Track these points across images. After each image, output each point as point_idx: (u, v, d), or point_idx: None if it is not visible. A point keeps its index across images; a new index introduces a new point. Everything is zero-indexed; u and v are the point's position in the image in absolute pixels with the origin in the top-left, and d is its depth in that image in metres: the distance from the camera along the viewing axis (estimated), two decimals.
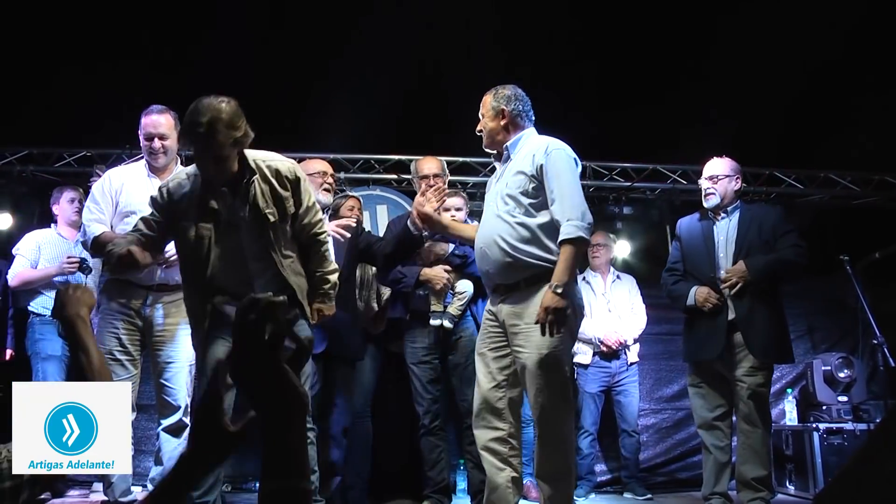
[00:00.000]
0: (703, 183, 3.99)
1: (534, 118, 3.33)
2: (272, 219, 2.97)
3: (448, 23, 6.07)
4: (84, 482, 4.81)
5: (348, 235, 3.57)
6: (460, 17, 6.08)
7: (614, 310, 5.15)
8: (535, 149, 3.15)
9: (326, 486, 3.83)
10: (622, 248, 6.23)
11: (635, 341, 5.08)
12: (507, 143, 3.26)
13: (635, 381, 5.12)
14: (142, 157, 3.76)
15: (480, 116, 3.33)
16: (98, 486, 4.43)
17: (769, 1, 6.09)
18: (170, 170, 3.65)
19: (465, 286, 4.01)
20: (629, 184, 6.54)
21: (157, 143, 3.59)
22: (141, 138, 3.63)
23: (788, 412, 5.30)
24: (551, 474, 3.03)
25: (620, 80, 6.54)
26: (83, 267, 4.25)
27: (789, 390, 5.55)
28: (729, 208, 3.95)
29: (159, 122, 3.61)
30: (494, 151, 3.38)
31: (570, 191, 3.04)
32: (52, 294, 4.20)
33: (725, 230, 3.92)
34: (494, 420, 3.14)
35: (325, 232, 3.20)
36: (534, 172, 3.08)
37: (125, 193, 3.57)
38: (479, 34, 6.25)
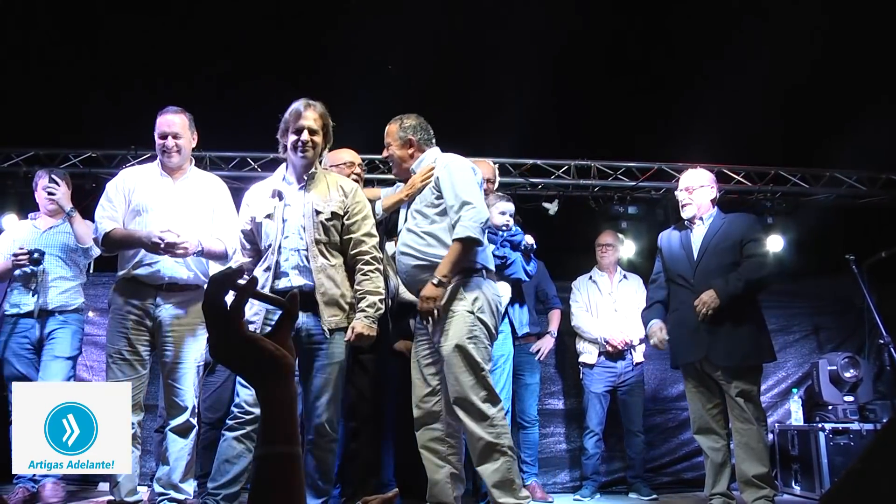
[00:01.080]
0: (680, 195, 4.09)
1: (434, 140, 3.59)
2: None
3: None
4: (90, 482, 4.83)
5: None
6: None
7: (620, 310, 5.16)
8: (437, 166, 3.42)
9: (365, 485, 3.85)
10: (627, 248, 6.24)
11: (641, 341, 5.07)
12: (412, 167, 3.53)
13: (641, 381, 5.13)
14: (152, 158, 3.79)
15: (387, 145, 3.57)
16: (104, 485, 4.45)
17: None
18: (183, 170, 3.69)
19: (504, 289, 4.16)
20: (634, 183, 6.56)
21: (170, 142, 3.61)
22: (155, 137, 3.65)
23: (794, 412, 5.30)
24: (483, 457, 3.19)
25: (626, 79, 6.56)
26: (33, 259, 4.17)
27: (795, 390, 5.55)
28: (705, 216, 4.04)
29: (174, 121, 3.64)
30: (402, 178, 3.61)
31: (464, 194, 3.29)
32: (20, 288, 4.24)
33: (701, 236, 4.01)
34: (432, 422, 3.36)
35: (372, 255, 3.37)
36: (434, 185, 3.37)
37: (138, 192, 3.59)
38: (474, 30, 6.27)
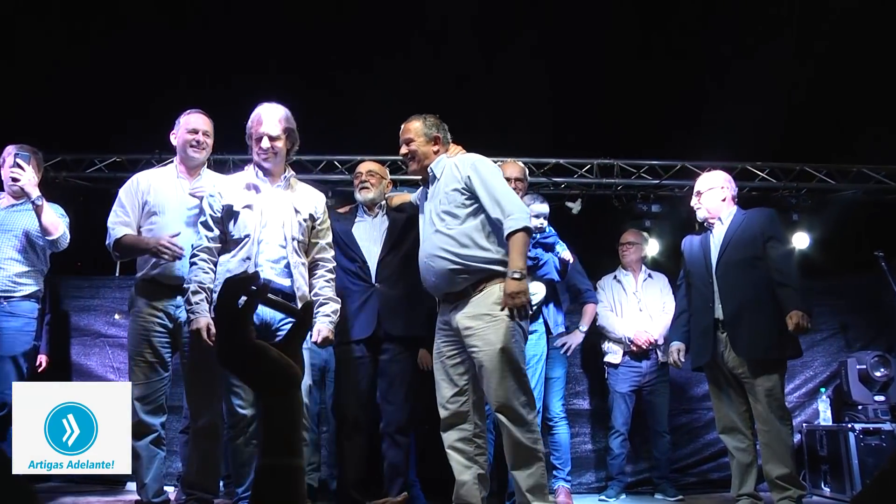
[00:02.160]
0: (692, 200, 4.17)
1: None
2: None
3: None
4: (116, 482, 4.90)
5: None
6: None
7: (645, 309, 5.16)
8: (457, 165, 3.46)
9: (391, 487, 3.87)
10: (651, 247, 6.21)
11: (666, 341, 4.97)
12: (431, 166, 3.54)
13: (666, 381, 5.10)
14: (170, 162, 3.81)
15: (406, 142, 3.57)
16: (131, 485, 4.49)
17: None
18: (199, 171, 3.75)
19: (537, 288, 4.24)
20: (657, 181, 6.54)
21: (201, 137, 3.69)
22: (182, 133, 3.70)
23: (822, 412, 5.25)
24: (520, 462, 3.22)
25: (648, 76, 6.52)
26: None
27: (822, 389, 5.50)
28: (723, 216, 4.05)
29: (205, 119, 3.75)
30: (419, 176, 3.65)
31: (502, 191, 3.35)
32: None
33: (721, 236, 4.03)
34: (459, 422, 3.38)
35: (332, 266, 3.55)
36: (464, 186, 3.39)
37: (153, 193, 3.64)
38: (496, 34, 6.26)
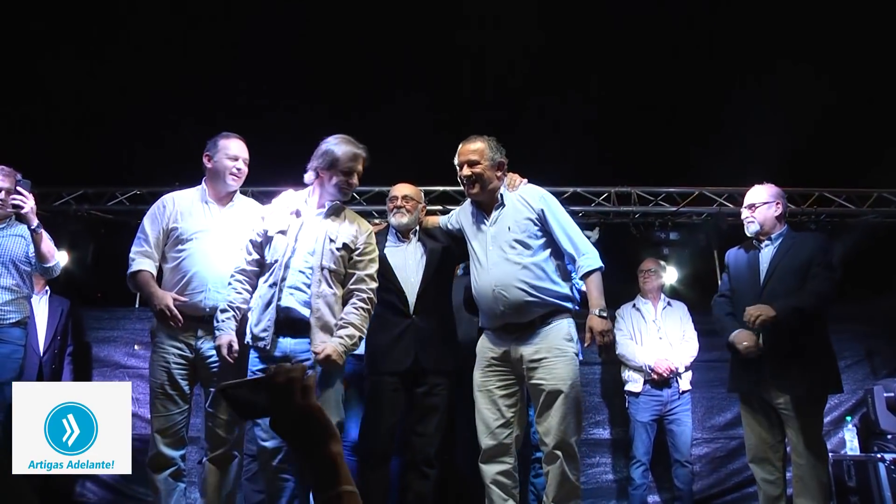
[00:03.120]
0: (744, 212, 3.97)
1: None
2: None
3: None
4: None
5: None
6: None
7: (665, 337, 5.12)
8: (525, 196, 3.54)
9: None
10: (670, 275, 6.18)
11: (687, 369, 5.02)
12: (501, 191, 3.58)
13: (688, 410, 5.04)
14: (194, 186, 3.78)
15: (470, 163, 3.54)
16: None
17: (814, 20, 6.03)
18: (230, 197, 3.72)
19: None
20: (675, 209, 6.52)
21: (241, 164, 3.66)
22: (222, 159, 3.63)
23: (849, 441, 5.15)
24: (564, 497, 3.29)
25: (664, 103, 6.56)
26: None
27: (849, 418, 5.40)
28: (773, 235, 3.88)
29: (244, 145, 3.70)
30: (480, 199, 3.62)
31: (575, 229, 3.48)
32: None
33: (769, 257, 3.85)
34: (502, 455, 3.41)
35: (368, 296, 3.41)
36: (537, 217, 3.47)
37: (182, 219, 3.58)
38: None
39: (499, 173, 3.58)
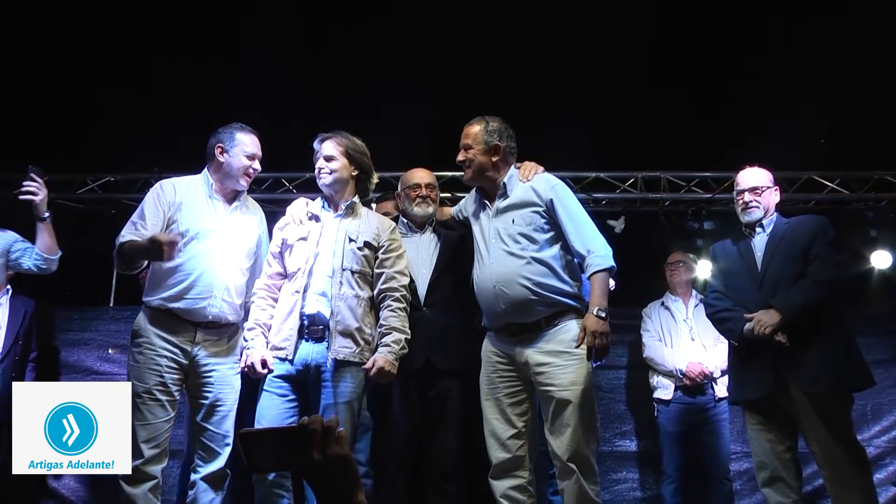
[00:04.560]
0: (746, 196, 4.00)
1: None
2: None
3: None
4: None
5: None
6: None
7: (698, 338, 5.14)
8: (534, 185, 3.60)
9: None
10: (703, 269, 6.22)
11: (723, 373, 4.93)
12: (503, 180, 3.66)
13: (725, 420, 5.05)
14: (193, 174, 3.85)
15: (464, 147, 3.68)
16: None
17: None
18: (239, 197, 3.83)
19: None
20: (710, 195, 6.53)
21: (257, 164, 3.78)
22: (239, 156, 3.72)
23: None
24: None
25: (697, 78, 6.57)
26: None
27: None
28: (765, 222, 3.97)
29: (259, 143, 3.80)
30: (481, 186, 3.74)
31: (586, 223, 3.52)
32: None
33: (763, 245, 3.92)
34: (515, 468, 3.47)
35: (402, 294, 3.59)
36: (545, 209, 3.53)
37: (184, 212, 3.65)
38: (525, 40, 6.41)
39: (495, 158, 3.65)
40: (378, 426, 4.05)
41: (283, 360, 3.45)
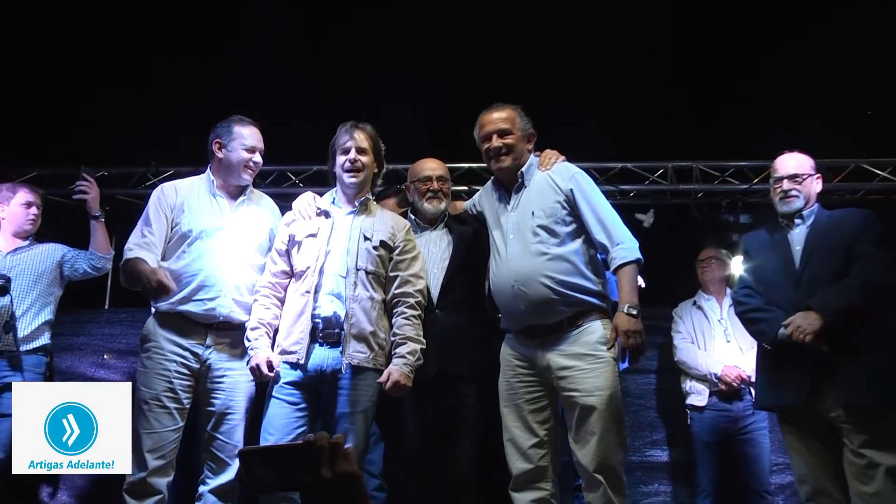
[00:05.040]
0: (785, 183, 3.86)
1: None
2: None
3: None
4: None
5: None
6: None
7: (734, 339, 5.08)
8: (553, 175, 3.58)
9: None
10: (739, 265, 6.10)
11: None
12: (522, 169, 3.64)
13: (765, 429, 5.00)
14: (177, 176, 3.92)
15: (501, 132, 3.64)
16: None
17: None
18: (245, 192, 3.85)
19: None
20: (746, 186, 6.50)
21: (258, 157, 3.80)
22: (238, 150, 3.75)
23: None
24: None
25: (733, 59, 6.48)
26: None
27: None
28: (805, 213, 3.83)
29: (260, 134, 3.82)
30: (507, 176, 3.69)
31: (609, 213, 3.49)
32: None
33: (803, 239, 3.77)
34: (537, 480, 3.45)
35: (417, 300, 3.58)
36: (565, 199, 3.51)
37: (187, 213, 3.70)
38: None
39: (529, 146, 3.68)
40: (391, 437, 4.04)
41: (293, 365, 3.42)
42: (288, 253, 3.64)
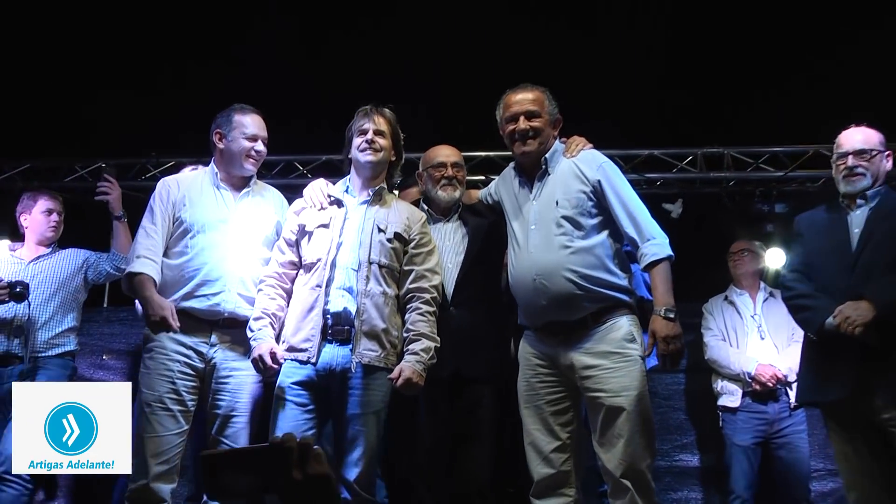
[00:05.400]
0: (850, 160, 3.66)
1: None
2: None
3: None
4: None
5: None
6: None
7: (768, 336, 5.04)
8: (580, 163, 3.51)
9: None
10: (775, 258, 6.03)
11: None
12: (546, 155, 3.57)
13: (803, 431, 4.95)
14: (177, 168, 3.97)
15: (529, 114, 3.55)
16: None
17: None
18: (248, 184, 3.83)
19: None
20: (782, 173, 6.41)
21: (261, 146, 3.78)
22: (239, 139, 3.74)
23: None
24: None
25: (767, 34, 6.43)
26: (15, 293, 4.29)
27: None
28: (870, 193, 3.64)
29: (262, 122, 3.81)
30: (530, 161, 3.63)
31: (639, 207, 3.42)
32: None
33: (862, 221, 3.60)
34: (560, 486, 3.41)
35: (432, 296, 3.55)
36: (591, 190, 3.45)
37: (189, 207, 3.70)
38: None
39: (555, 132, 3.62)
40: (401, 440, 3.98)
41: (303, 363, 3.39)
42: (297, 243, 3.60)
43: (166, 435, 3.43)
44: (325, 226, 3.55)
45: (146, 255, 3.58)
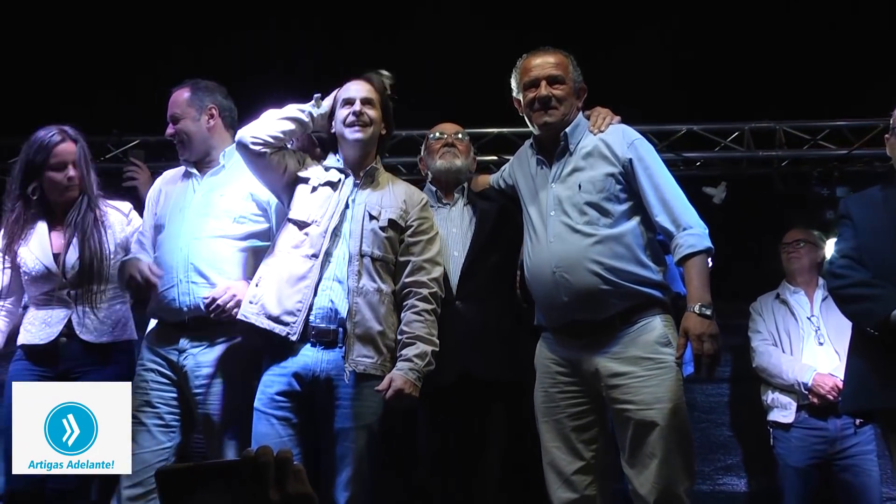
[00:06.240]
0: None
1: None
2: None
3: None
4: None
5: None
6: None
7: (828, 341, 4.90)
8: (608, 140, 3.46)
9: None
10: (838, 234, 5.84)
11: None
12: (567, 130, 3.51)
13: (871, 452, 4.82)
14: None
15: (552, 79, 3.50)
16: None
17: None
18: (211, 161, 3.84)
19: None
20: (845, 151, 6.23)
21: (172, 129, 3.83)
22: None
23: None
24: None
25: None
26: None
27: None
28: None
29: (176, 101, 3.83)
30: (545, 137, 3.61)
31: (676, 191, 3.39)
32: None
33: None
34: None
35: (431, 291, 3.49)
36: (621, 171, 3.41)
37: (163, 202, 3.80)
38: None
39: (579, 103, 3.60)
40: (399, 454, 4.06)
41: (284, 341, 3.30)
42: (290, 186, 3.54)
43: (139, 453, 3.40)
44: (333, 186, 3.49)
45: (139, 248, 3.76)
